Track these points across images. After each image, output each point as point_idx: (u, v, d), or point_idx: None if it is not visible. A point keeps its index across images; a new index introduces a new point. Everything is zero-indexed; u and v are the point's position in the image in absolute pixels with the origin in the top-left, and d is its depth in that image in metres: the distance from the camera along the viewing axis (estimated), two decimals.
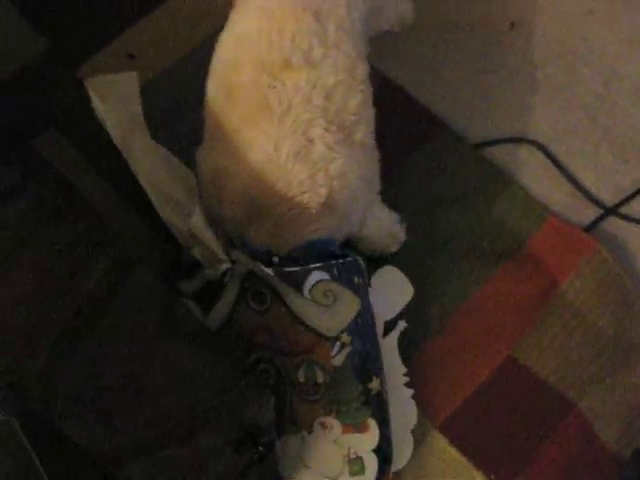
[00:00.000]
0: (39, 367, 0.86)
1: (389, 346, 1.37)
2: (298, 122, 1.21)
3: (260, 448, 0.94)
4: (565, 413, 1.38)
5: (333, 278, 1.27)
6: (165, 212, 1.29)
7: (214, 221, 1.30)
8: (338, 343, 1.26)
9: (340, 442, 1.27)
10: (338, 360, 1.27)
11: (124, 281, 0.91)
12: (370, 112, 1.32)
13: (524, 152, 1.58)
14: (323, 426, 1.27)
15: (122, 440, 0.86)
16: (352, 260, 1.28)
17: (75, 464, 0.85)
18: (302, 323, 1.26)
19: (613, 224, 1.53)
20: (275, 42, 1.22)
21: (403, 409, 1.34)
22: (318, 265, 1.26)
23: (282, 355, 1.27)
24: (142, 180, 1.28)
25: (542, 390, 1.40)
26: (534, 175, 1.56)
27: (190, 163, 1.29)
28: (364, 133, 1.30)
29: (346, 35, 1.28)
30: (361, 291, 1.29)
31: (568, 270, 1.46)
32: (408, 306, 1.41)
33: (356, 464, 1.27)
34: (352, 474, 1.27)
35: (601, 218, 1.53)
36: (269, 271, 1.25)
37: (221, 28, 1.30)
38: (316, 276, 1.27)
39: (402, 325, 1.39)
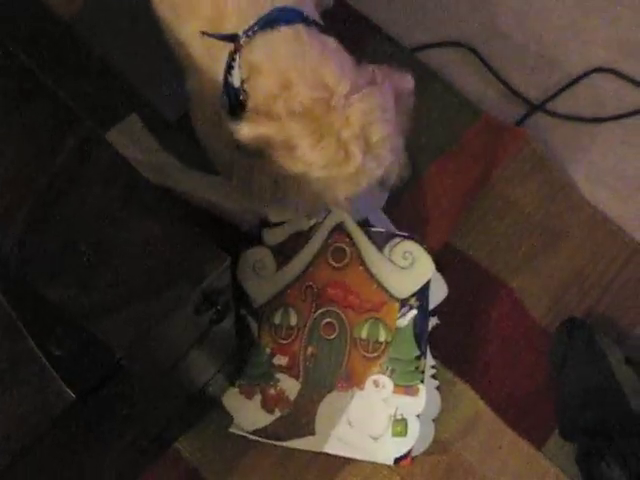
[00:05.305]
0: (16, 235, 0.95)
1: None
2: None
3: (218, 308, 1.03)
4: (498, 293, 1.47)
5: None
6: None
7: None
8: (406, 305, 1.35)
9: (389, 401, 1.34)
10: (402, 322, 1.34)
11: (90, 156, 0.99)
12: None
13: (457, 55, 1.66)
14: (375, 384, 1.34)
15: (94, 299, 0.95)
16: None
17: (51, 321, 0.94)
18: (376, 281, 1.35)
19: (540, 120, 1.62)
20: None
21: (427, 399, 1.36)
22: (404, 234, 1.35)
23: (350, 309, 1.35)
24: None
25: (476, 273, 1.49)
26: (467, 76, 1.64)
27: None
28: None
29: None
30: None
31: (500, 161, 1.55)
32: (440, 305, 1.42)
33: (400, 425, 1.34)
34: (394, 434, 1.34)
35: (529, 114, 1.61)
36: (357, 226, 1.34)
37: None
38: (399, 239, 1.38)
39: (434, 321, 1.41)
